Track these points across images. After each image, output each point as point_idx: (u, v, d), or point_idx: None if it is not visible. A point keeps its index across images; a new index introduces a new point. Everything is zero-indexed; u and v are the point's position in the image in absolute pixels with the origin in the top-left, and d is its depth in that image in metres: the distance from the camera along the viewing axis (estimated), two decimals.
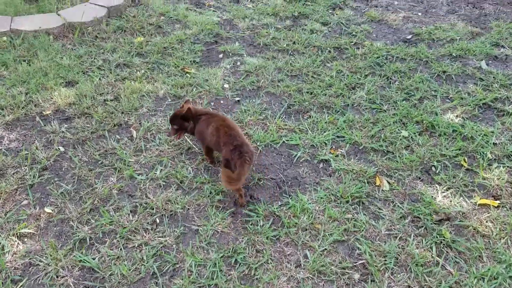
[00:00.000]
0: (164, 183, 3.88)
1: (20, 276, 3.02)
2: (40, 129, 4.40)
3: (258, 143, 4.45)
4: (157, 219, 3.53)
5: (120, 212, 3.53)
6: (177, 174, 3.98)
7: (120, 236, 3.33)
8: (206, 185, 3.89)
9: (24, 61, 5.46)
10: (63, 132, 4.37)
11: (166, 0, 7.49)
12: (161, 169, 4.02)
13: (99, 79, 5.26)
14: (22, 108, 4.66)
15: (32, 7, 6.63)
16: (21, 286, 2.93)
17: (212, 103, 5.09)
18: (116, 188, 3.77)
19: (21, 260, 3.08)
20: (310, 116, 4.93)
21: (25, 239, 3.27)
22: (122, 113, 4.76)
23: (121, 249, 3.24)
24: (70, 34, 6.25)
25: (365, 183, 4.02)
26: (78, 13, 6.47)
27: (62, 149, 4.19)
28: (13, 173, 3.83)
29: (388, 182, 4.06)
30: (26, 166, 3.90)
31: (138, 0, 7.40)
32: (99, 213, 3.53)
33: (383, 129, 4.73)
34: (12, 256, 3.11)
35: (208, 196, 3.78)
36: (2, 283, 2.93)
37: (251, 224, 3.55)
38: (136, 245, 3.27)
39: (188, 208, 3.64)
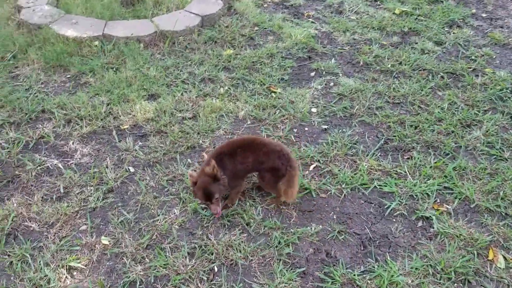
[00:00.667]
0: (228, 223, 3.47)
1: None
2: (114, 145, 4.28)
3: (343, 185, 3.84)
4: (215, 267, 3.14)
5: (177, 254, 3.21)
6: (244, 213, 3.55)
7: (172, 285, 2.98)
8: (275, 232, 3.40)
9: (112, 68, 5.47)
10: (135, 150, 4.20)
11: (263, 9, 7.14)
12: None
13: (181, 94, 5.05)
14: (101, 120, 4.60)
15: (128, 11, 6.73)
16: None
17: (295, 130, 4.59)
18: (177, 224, 3.46)
19: None
20: (411, 157, 4.19)
21: (74, 273, 3.09)
22: (198, 134, 4.47)
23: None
24: (161, 43, 6.19)
25: (474, 255, 3.23)
26: (171, 21, 6.41)
27: (132, 169, 4.00)
28: (78, 193, 3.72)
29: (505, 258, 3.22)
30: (92, 186, 3.76)
31: (234, 9, 7.16)
32: (155, 251, 3.22)
33: (503, 183, 3.85)
34: None
35: (276, 246, 3.29)
36: None
37: None
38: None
39: (252, 259, 3.19)
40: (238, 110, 4.88)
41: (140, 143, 4.35)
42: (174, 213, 3.57)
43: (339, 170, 4.05)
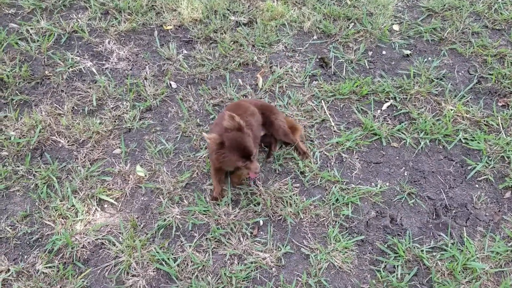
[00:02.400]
0: (280, 168, 3.06)
1: (85, 261, 2.62)
2: (155, 50, 3.78)
3: (421, 134, 3.29)
4: (261, 220, 2.80)
5: (222, 202, 2.86)
6: (299, 159, 3.11)
7: (212, 236, 2.71)
8: (333, 186, 2.99)
9: None
10: (179, 61, 3.69)
11: None
12: (281, 145, 3.18)
13: None
14: (142, 15, 4.04)
15: None
16: (83, 275, 2.53)
17: (370, 53, 3.91)
18: None
19: (92, 236, 2.67)
20: (508, 105, 3.50)
21: (105, 206, 2.83)
22: (253, 46, 3.88)
23: (209, 254, 2.62)
24: None
25: None
26: None
27: (174, 85, 3.55)
28: (112, 108, 3.36)
29: None
30: (128, 101, 3.37)
31: None
32: (195, 194, 2.90)
33: None
34: (85, 226, 2.71)
35: (333, 205, 2.90)
36: (65, 263, 2.56)
37: (383, 268, 2.63)
38: (227, 255, 2.62)
39: (303, 217, 2.85)
40: (303, 19, 4.17)
41: (184, 52, 3.82)
42: None
43: (418, 114, 3.45)
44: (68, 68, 3.56)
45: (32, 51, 3.63)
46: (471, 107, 3.52)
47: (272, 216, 2.83)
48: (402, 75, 3.76)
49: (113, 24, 3.95)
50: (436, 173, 3.16)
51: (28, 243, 2.66)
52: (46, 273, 2.52)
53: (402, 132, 3.36)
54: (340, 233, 2.77)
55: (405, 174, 3.14)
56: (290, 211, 2.84)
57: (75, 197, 2.83)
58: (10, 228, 2.71)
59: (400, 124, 3.40)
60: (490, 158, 3.20)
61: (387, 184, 3.07)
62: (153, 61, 3.73)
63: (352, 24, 4.18)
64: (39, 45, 3.68)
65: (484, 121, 3.43)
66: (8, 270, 2.53)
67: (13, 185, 2.89)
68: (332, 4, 4.34)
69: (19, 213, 2.75)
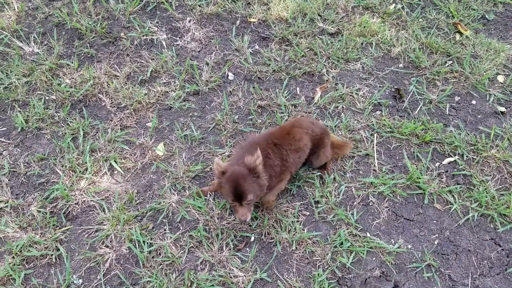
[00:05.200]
0: (294, 191, 2.93)
1: (73, 217, 2.79)
2: (228, 39, 3.84)
3: (473, 205, 2.90)
4: (252, 236, 2.73)
5: (219, 202, 2.84)
6: (319, 185, 2.94)
7: (195, 235, 2.70)
8: (344, 227, 2.76)
9: None
10: (246, 54, 3.70)
11: None
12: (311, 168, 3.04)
13: None
14: (231, 2, 4.13)
15: None
16: (63, 230, 2.70)
17: (457, 99, 3.54)
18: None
19: (90, 197, 2.83)
20: None
21: (115, 172, 2.98)
22: (328, 58, 3.74)
23: (185, 251, 2.63)
24: None
25: None
26: None
27: (230, 77, 3.58)
28: (164, 83, 3.49)
29: None
30: (180, 81, 3.48)
31: None
32: (198, 188, 2.92)
33: None
34: (88, 185, 2.88)
35: (335, 247, 2.68)
36: (52, 212, 2.76)
37: None
38: (201, 259, 2.60)
39: (296, 249, 2.68)
40: (395, 43, 3.89)
41: (256, 47, 3.82)
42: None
43: (481, 181, 3.03)
44: (142, 36, 3.79)
45: (117, 11, 3.92)
46: None
47: (265, 237, 2.73)
48: (482, 132, 3.32)
49: (201, 4, 4.09)
50: (473, 253, 2.75)
51: (33, 183, 2.91)
52: (34, 216, 2.74)
53: (452, 195, 2.98)
54: (328, 280, 2.57)
55: (435, 243, 2.79)
56: (285, 238, 2.71)
57: (91, 156, 3.02)
58: (24, 166, 2.99)
59: (453, 185, 3.02)
60: None
61: (409, 246, 2.76)
62: (222, 48, 3.79)
63: (450, 62, 3.80)
64: (125, 7, 3.96)
65: None
66: (7, 201, 2.80)
67: (45, 127, 3.18)
68: (437, 35, 3.99)
69: (37, 155, 3.02)
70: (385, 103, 3.47)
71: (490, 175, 3.07)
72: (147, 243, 2.65)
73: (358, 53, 3.80)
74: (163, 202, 2.83)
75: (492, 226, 2.85)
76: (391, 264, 2.67)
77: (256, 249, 2.67)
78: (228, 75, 3.59)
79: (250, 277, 2.54)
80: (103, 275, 2.56)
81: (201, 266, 2.60)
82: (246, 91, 3.49)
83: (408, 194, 2.98)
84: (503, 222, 2.86)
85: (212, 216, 2.77)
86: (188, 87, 3.45)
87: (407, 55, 3.82)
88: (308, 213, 2.85)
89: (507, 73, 3.74)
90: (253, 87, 3.50)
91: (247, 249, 2.69)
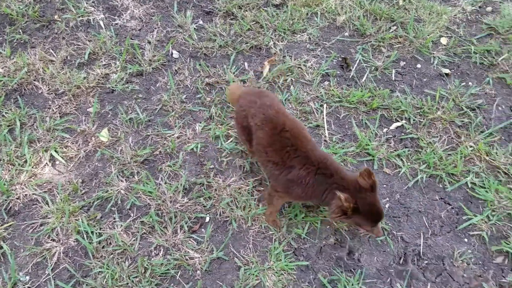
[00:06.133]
0: (249, 167, 2.88)
1: (15, 213, 2.64)
2: (170, 15, 3.68)
3: (421, 167, 2.93)
4: (207, 217, 2.68)
5: (172, 184, 2.75)
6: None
7: (147, 220, 2.61)
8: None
9: None
10: (190, 30, 3.56)
11: None
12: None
13: None
14: None
15: None
16: (5, 226, 2.55)
17: (402, 63, 3.55)
18: (189, 147, 2.94)
19: (31, 190, 2.68)
20: None
21: (57, 162, 2.83)
22: (274, 31, 3.65)
23: (137, 238, 2.54)
24: None
25: None
26: None
27: (175, 55, 3.45)
28: (103, 65, 3.32)
29: None
30: (120, 62, 3.32)
31: None
32: (146, 173, 2.81)
33: None
34: (29, 178, 2.72)
35: (290, 219, 2.67)
36: None
37: None
38: (155, 245, 2.52)
39: (251, 225, 2.67)
40: (340, 11, 3.85)
41: (200, 22, 3.69)
42: (194, 131, 3.04)
43: (428, 143, 3.08)
44: (78, 17, 3.57)
45: None
46: (497, 149, 3.07)
47: (219, 217, 2.68)
48: (428, 95, 3.36)
49: None
50: (423, 213, 2.81)
51: None
52: None
53: (401, 159, 3.02)
54: (284, 252, 2.56)
55: (387, 206, 2.82)
56: (240, 215, 2.67)
57: (30, 147, 2.85)
58: None
59: (402, 149, 3.05)
60: (494, 213, 2.78)
61: None
62: (164, 25, 3.63)
63: (395, 27, 3.80)
64: None
65: (505, 168, 2.98)
66: None
67: None
68: (380, 1, 3.97)
69: None
70: (333, 73, 3.45)
71: (437, 137, 3.12)
72: (96, 233, 2.54)
73: (304, 23, 3.74)
74: (111, 190, 2.72)
75: (441, 186, 2.91)
76: (345, 230, 2.68)
77: (211, 229, 2.62)
78: (172, 53, 3.45)
79: (206, 258, 2.49)
80: (51, 269, 2.44)
81: (155, 251, 2.53)
82: (192, 68, 3.38)
83: (358, 161, 2.99)
84: (451, 181, 2.92)
85: (164, 200, 2.68)
86: (130, 68, 3.30)
87: (352, 23, 3.79)
88: (263, 188, 2.81)
89: (450, 35, 3.78)
90: (200, 64, 3.39)
91: (203, 230, 2.63)
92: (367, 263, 2.57)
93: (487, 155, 3.03)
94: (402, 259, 2.60)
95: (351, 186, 2.16)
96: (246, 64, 3.45)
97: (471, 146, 3.07)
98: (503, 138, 3.15)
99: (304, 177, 2.23)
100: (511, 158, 3.03)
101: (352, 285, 2.46)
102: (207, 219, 2.66)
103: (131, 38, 3.48)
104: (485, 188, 2.88)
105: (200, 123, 3.05)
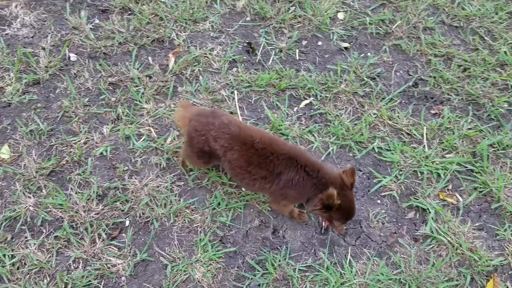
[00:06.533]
0: (165, 163, 2.82)
1: None
2: (63, 17, 3.47)
3: (332, 139, 3.04)
4: (127, 220, 2.59)
5: (84, 193, 2.63)
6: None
7: (61, 235, 2.49)
8: (219, 188, 2.74)
9: None
10: (85, 31, 3.39)
11: None
12: (177, 136, 2.94)
13: None
14: None
15: None
16: None
17: (304, 42, 3.61)
18: (99, 151, 2.82)
19: None
20: (440, 114, 3.24)
21: None
22: (175, 22, 3.57)
23: (52, 254, 2.41)
24: None
25: (467, 280, 2.52)
26: None
27: (73, 58, 3.27)
28: None
29: None
30: (14, 73, 3.09)
31: None
32: (53, 185, 2.66)
33: None
34: None
35: (214, 209, 2.66)
36: None
37: (247, 286, 2.42)
38: (73, 258, 2.41)
39: (175, 221, 2.62)
40: None
41: (96, 21, 3.52)
42: (101, 134, 2.92)
43: (336, 116, 3.19)
44: None
45: None
46: (398, 112, 3.25)
47: (139, 218, 2.61)
48: (330, 70, 3.47)
49: None
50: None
51: None
52: None
53: (313, 134, 3.11)
54: (210, 242, 2.55)
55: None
56: (162, 213, 2.62)
57: None
58: None
59: (313, 124, 3.14)
60: (401, 172, 2.96)
61: None
62: (58, 29, 3.43)
63: (293, 7, 3.86)
64: None
65: (408, 129, 3.17)
66: None
67: None
68: None
69: None
70: (240, 58, 3.45)
71: (343, 109, 3.24)
72: (8, 255, 2.38)
73: (204, 12, 3.70)
74: (19, 208, 2.55)
75: (351, 154, 3.03)
76: (268, 211, 2.73)
77: (132, 232, 2.55)
78: (69, 56, 3.28)
79: (129, 262, 2.42)
80: None
81: (74, 265, 2.41)
82: (93, 70, 3.23)
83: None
84: (359, 149, 3.05)
85: (77, 210, 2.56)
86: (25, 78, 3.09)
87: (252, 7, 3.81)
88: (182, 183, 2.78)
89: (346, 9, 3.91)
90: (100, 64, 3.25)
91: (123, 234, 2.55)
92: (291, 238, 2.64)
93: (390, 120, 3.19)
94: (323, 229, 2.69)
95: (336, 183, 2.18)
96: (150, 58, 3.36)
97: (374, 114, 3.22)
98: (403, 101, 3.34)
99: (293, 177, 2.21)
100: (412, 119, 3.22)
101: (279, 261, 2.51)
102: (127, 223, 2.58)
103: (23, 47, 3.25)
104: (390, 150, 3.04)
105: (107, 125, 2.94)
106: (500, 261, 2.62)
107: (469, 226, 2.73)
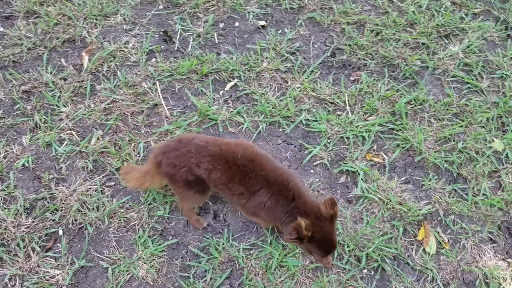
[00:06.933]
0: (92, 164, 2.73)
1: None
2: None
3: (260, 117, 3.07)
4: (60, 230, 2.49)
5: (10, 208, 2.50)
6: (122, 150, 2.79)
7: None
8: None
9: None
10: None
11: None
12: (101, 136, 2.85)
13: None
14: None
15: None
16: None
17: (222, 25, 3.58)
18: (20, 162, 2.68)
19: None
20: (358, 80, 3.35)
21: None
22: (85, 20, 3.42)
23: None
24: None
25: (400, 231, 2.66)
26: None
27: None
28: None
29: (439, 241, 2.67)
30: None
31: None
32: None
33: (467, 128, 3.12)
34: None
35: (150, 204, 2.62)
36: None
37: (194, 274, 2.43)
38: (9, 276, 2.30)
39: (110, 222, 2.55)
40: None
41: (0, 29, 3.30)
42: (21, 145, 2.78)
43: (261, 95, 3.21)
44: None
45: None
46: (320, 83, 3.33)
47: (72, 225, 2.52)
48: (251, 50, 3.48)
49: None
50: None
51: None
52: None
53: (241, 116, 3.12)
54: (150, 238, 2.52)
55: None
56: (96, 217, 2.54)
57: None
58: None
59: (240, 105, 3.15)
60: (329, 140, 3.05)
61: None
62: None
63: None
64: None
65: (331, 98, 3.25)
66: None
67: None
68: None
69: None
70: (157, 48, 3.38)
71: (267, 86, 3.28)
72: None
73: (114, 5, 3.58)
74: None
75: (280, 130, 3.08)
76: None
77: (67, 240, 2.46)
78: None
79: (68, 271, 2.35)
80: None
81: (11, 283, 2.31)
82: (3, 80, 3.05)
83: (204, 128, 3.02)
84: (288, 124, 3.10)
85: (6, 227, 2.44)
86: None
87: None
88: (113, 183, 2.71)
89: None
90: (10, 74, 3.06)
91: (58, 244, 2.46)
92: (233, 221, 2.66)
93: (313, 91, 3.27)
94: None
95: (312, 213, 2.06)
96: (63, 60, 3.22)
97: (298, 87, 3.28)
98: (323, 72, 3.42)
99: (266, 201, 2.12)
100: (334, 88, 3.31)
101: (223, 244, 2.53)
102: (60, 232, 2.49)
103: None
104: (317, 121, 3.12)
105: (26, 135, 2.80)
106: (429, 209, 2.78)
107: (396, 182, 2.88)
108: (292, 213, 2.09)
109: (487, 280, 2.55)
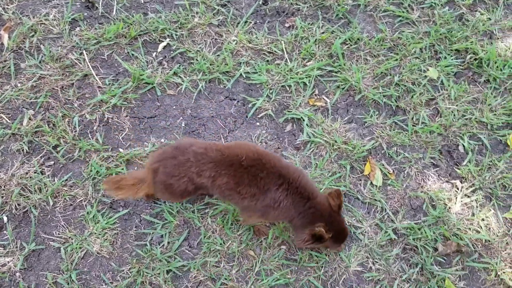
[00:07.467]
0: (27, 149, 2.58)
1: None
2: None
3: (199, 76, 2.98)
4: (4, 217, 2.37)
5: None
6: (59, 129, 2.65)
7: None
8: (94, 155, 2.59)
9: None
10: None
11: None
12: (33, 115, 2.68)
13: None
14: None
15: None
16: None
17: None
18: None
19: None
20: (293, 26, 3.30)
21: None
22: None
23: None
24: None
25: (347, 169, 2.72)
26: None
27: None
28: None
29: (385, 173, 2.76)
30: None
31: None
32: None
33: (401, 61, 3.17)
34: None
35: (94, 179, 2.53)
36: None
37: (150, 241, 2.39)
38: None
39: (55, 202, 2.46)
40: None
41: None
42: None
43: (196, 52, 3.10)
44: None
45: None
46: (255, 33, 3.25)
47: (16, 210, 2.40)
48: (179, 6, 3.32)
49: None
50: (217, 117, 2.91)
51: None
52: None
53: (179, 76, 3.01)
54: (99, 212, 2.44)
55: (183, 125, 2.84)
56: (39, 199, 2.43)
57: None
58: None
59: (176, 66, 3.03)
60: (271, 91, 3.01)
61: (162, 140, 2.77)
62: None
63: None
64: None
65: (268, 48, 3.19)
66: None
67: None
68: None
69: None
70: (80, 16, 3.17)
71: (202, 43, 3.17)
72: None
73: None
74: None
75: (221, 86, 3.01)
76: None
77: (12, 226, 2.35)
78: None
79: (18, 256, 2.25)
80: None
81: None
82: None
83: (141, 94, 2.91)
84: (228, 79, 3.04)
85: None
86: None
87: None
88: (52, 162, 2.58)
89: None
90: None
91: (4, 232, 2.34)
92: None
93: (250, 43, 3.19)
94: None
95: (326, 212, 2.07)
96: None
97: (234, 40, 3.19)
98: (257, 22, 3.33)
99: (282, 199, 2.03)
100: (270, 37, 3.24)
101: (177, 207, 2.50)
102: (5, 219, 2.37)
103: None
104: (257, 72, 3.07)
105: None
106: (372, 144, 2.84)
107: (340, 122, 2.91)
108: (307, 213, 2.07)
109: (433, 203, 2.67)
